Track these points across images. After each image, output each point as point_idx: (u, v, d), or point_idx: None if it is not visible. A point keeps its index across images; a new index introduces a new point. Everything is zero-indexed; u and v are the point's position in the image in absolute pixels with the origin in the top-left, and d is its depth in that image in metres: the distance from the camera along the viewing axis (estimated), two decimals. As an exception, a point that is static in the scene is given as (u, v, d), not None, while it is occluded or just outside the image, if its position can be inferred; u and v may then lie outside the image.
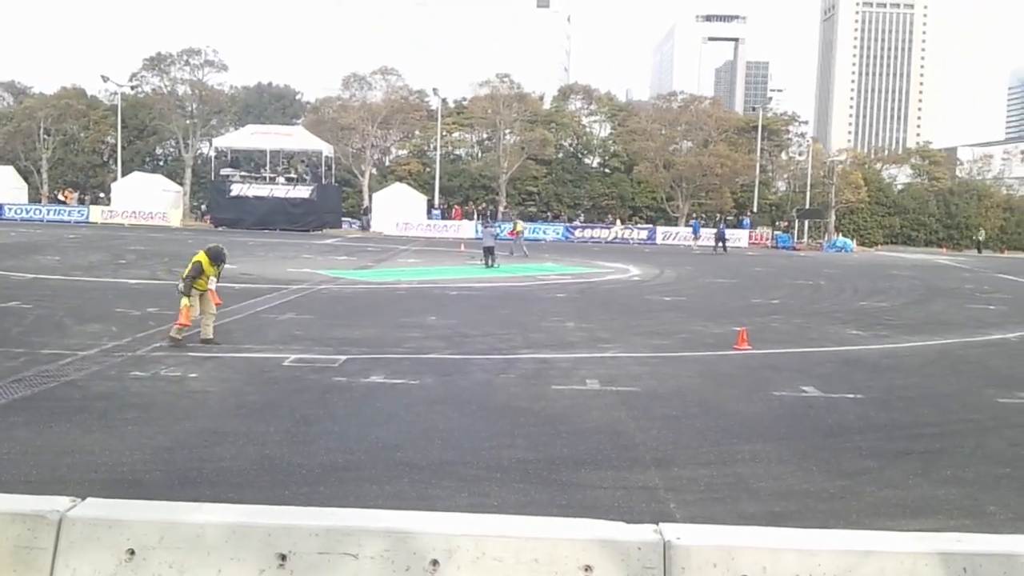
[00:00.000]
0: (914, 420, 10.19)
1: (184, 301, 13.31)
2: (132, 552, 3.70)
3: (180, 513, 4.01)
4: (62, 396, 10.06)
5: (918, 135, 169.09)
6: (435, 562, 3.73)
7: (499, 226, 41.62)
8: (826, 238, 58.50)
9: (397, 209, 57.13)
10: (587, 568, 3.70)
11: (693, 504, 7.05)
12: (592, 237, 55.74)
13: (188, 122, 65.56)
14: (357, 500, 6.79)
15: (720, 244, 48.72)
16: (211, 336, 13.52)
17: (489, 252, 31.26)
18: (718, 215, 61.74)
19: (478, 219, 57.05)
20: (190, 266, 13.51)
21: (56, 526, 3.72)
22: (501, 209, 63.80)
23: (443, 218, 60.19)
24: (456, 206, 64.84)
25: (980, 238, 62.45)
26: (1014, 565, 3.77)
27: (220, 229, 53.61)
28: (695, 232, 54.18)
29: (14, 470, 7.27)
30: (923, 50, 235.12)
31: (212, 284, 13.66)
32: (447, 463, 7.96)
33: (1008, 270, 40.08)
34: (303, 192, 55.50)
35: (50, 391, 10.26)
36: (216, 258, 13.73)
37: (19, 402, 9.66)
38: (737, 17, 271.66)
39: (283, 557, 3.72)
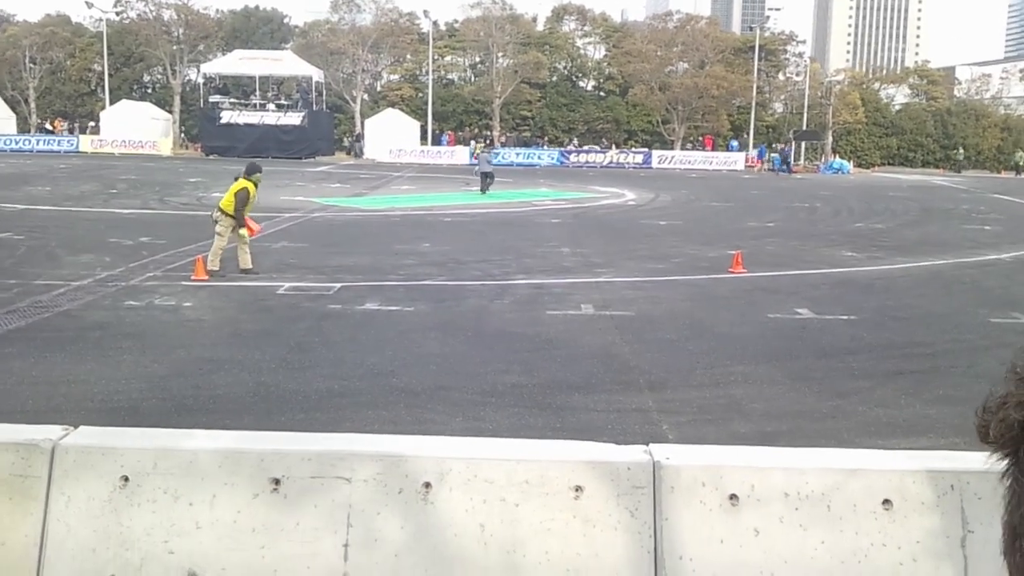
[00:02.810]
0: (907, 340, 10.25)
1: (219, 228, 13.30)
2: (126, 479, 3.73)
3: (174, 440, 4.03)
4: (56, 326, 10.07)
5: (917, 54, 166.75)
6: (427, 484, 3.76)
7: (497, 153, 41.11)
8: (823, 160, 58.11)
9: (390, 135, 56.49)
10: (577, 488, 3.74)
11: (686, 425, 7.13)
12: (587, 162, 55.28)
13: (175, 48, 64.29)
14: (353, 426, 6.85)
15: (785, 166, 52.42)
16: (250, 265, 13.47)
17: (486, 177, 31.01)
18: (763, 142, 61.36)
19: (474, 145, 56.50)
20: (234, 196, 13.28)
21: (49, 454, 3.73)
22: (496, 135, 63.15)
23: (449, 144, 59.59)
24: (449, 132, 64.12)
25: (960, 157, 62.00)
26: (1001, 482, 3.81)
27: (211, 157, 53.09)
28: (761, 156, 56.39)
29: (10, 400, 7.31)
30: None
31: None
32: (442, 388, 8.02)
33: (1004, 190, 39.97)
34: (294, 119, 54.75)
35: (44, 321, 10.27)
36: (255, 171, 13.71)
37: (13, 333, 9.68)
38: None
39: (276, 481, 3.75)
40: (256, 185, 13.64)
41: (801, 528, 3.75)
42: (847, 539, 3.75)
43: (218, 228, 13.34)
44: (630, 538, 3.74)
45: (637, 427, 7.00)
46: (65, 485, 3.73)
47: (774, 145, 60.06)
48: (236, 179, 13.63)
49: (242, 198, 13.27)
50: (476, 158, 44.90)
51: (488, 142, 55.54)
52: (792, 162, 53.80)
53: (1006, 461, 0.89)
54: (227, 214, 13.32)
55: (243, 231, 13.36)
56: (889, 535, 3.75)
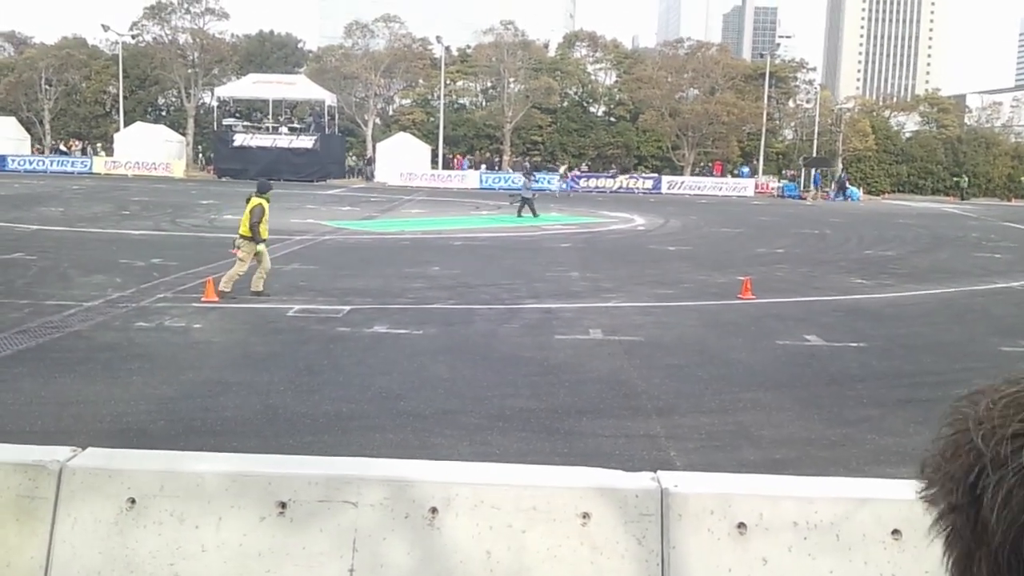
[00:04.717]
0: (917, 369, 10.20)
1: (241, 254, 13.47)
2: (133, 501, 3.72)
3: (180, 462, 4.03)
4: (67, 347, 10.11)
5: (927, 82, 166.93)
6: (434, 510, 3.75)
7: (536, 179, 42.09)
8: (832, 187, 58.08)
9: (401, 159, 56.78)
10: (585, 515, 3.72)
11: (694, 452, 7.09)
12: (597, 187, 55.39)
13: (190, 71, 64.92)
14: (360, 449, 6.83)
15: (841, 192, 54.14)
16: (262, 289, 13.59)
17: (527, 203, 31.54)
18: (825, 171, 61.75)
19: (512, 170, 57.66)
20: (249, 213, 13.52)
21: (57, 476, 3.74)
22: (505, 158, 63.44)
23: (488, 169, 60.24)
24: (459, 156, 64.41)
25: (964, 185, 61.86)
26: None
27: (224, 180, 53.41)
28: (816, 183, 56.87)
29: (19, 420, 7.32)
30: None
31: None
32: (450, 412, 8.00)
33: (1014, 218, 39.85)
34: (306, 142, 55.12)
35: (55, 342, 10.31)
36: (267, 189, 14.11)
37: (24, 353, 9.71)
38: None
39: (283, 505, 3.74)
40: (268, 202, 13.85)
41: (810, 557, 3.72)
42: (856, 569, 3.72)
43: (240, 254, 13.55)
44: (638, 566, 3.72)
45: (645, 453, 6.96)
46: (72, 507, 3.73)
47: (789, 171, 60.24)
48: (248, 200, 13.76)
49: (258, 214, 13.52)
50: (565, 178, 49.05)
51: (527, 168, 55.34)
52: (846, 189, 55.12)
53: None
54: (248, 238, 13.47)
55: (261, 247, 13.51)
56: (899, 565, 3.72)
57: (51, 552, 3.70)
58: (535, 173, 45.51)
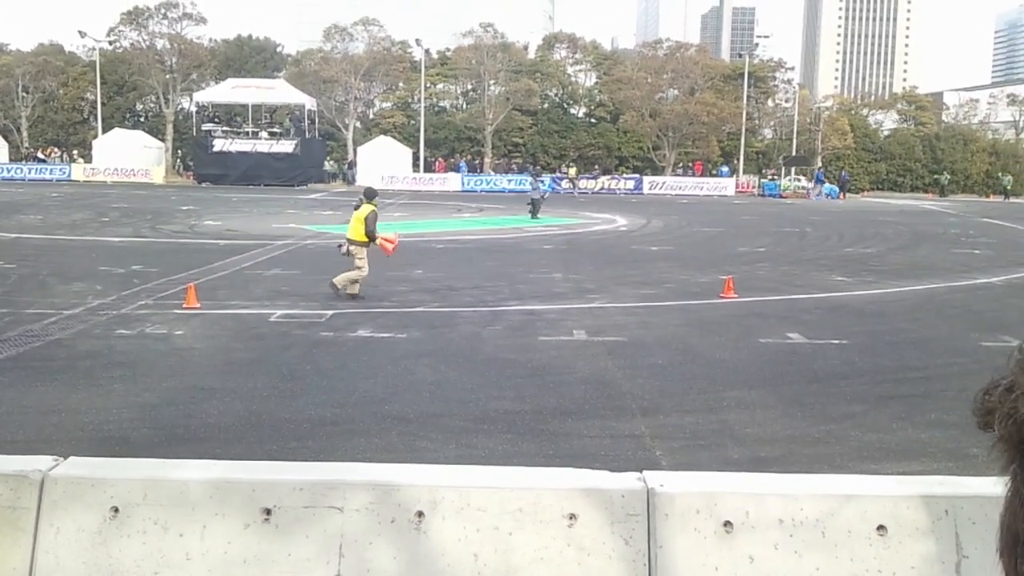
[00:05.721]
0: (899, 365, 10.26)
1: (359, 261, 13.90)
2: (116, 510, 3.69)
3: (164, 470, 4.00)
4: (48, 355, 10.02)
5: (904, 80, 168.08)
6: (420, 513, 3.74)
7: (543, 180, 43.11)
8: (820, 183, 58.43)
9: (382, 162, 56.64)
10: (571, 516, 3.72)
11: (679, 451, 7.11)
12: (579, 188, 55.45)
13: (168, 77, 64.48)
14: (346, 454, 6.81)
15: (843, 190, 55.56)
16: (358, 292, 13.97)
17: (534, 203, 32.29)
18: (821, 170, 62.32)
19: (571, 171, 58.30)
20: (364, 221, 13.81)
21: (39, 485, 3.70)
22: (487, 161, 63.44)
23: (470, 172, 60.13)
24: (440, 159, 64.34)
25: (944, 182, 62.38)
26: (995, 506, 3.79)
27: (204, 185, 53.15)
28: (819, 181, 57.52)
29: (0, 430, 7.25)
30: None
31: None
32: (435, 415, 7.99)
33: (993, 215, 40.19)
34: (286, 146, 54.87)
35: (35, 351, 10.22)
36: (375, 195, 14.72)
37: (4, 362, 9.62)
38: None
39: (268, 511, 3.72)
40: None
41: (796, 555, 3.74)
42: (842, 565, 3.73)
43: (357, 262, 13.90)
44: (625, 566, 3.72)
45: (630, 453, 6.97)
46: (54, 516, 3.69)
47: (770, 170, 60.50)
48: (356, 207, 14.21)
49: (372, 219, 13.91)
50: (575, 180, 51.20)
51: (537, 171, 55.18)
52: (846, 187, 56.70)
53: (1006, 455, 0.89)
54: (360, 243, 13.84)
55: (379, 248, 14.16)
56: (884, 561, 3.74)
57: (34, 562, 3.66)
58: (542, 176, 46.16)
